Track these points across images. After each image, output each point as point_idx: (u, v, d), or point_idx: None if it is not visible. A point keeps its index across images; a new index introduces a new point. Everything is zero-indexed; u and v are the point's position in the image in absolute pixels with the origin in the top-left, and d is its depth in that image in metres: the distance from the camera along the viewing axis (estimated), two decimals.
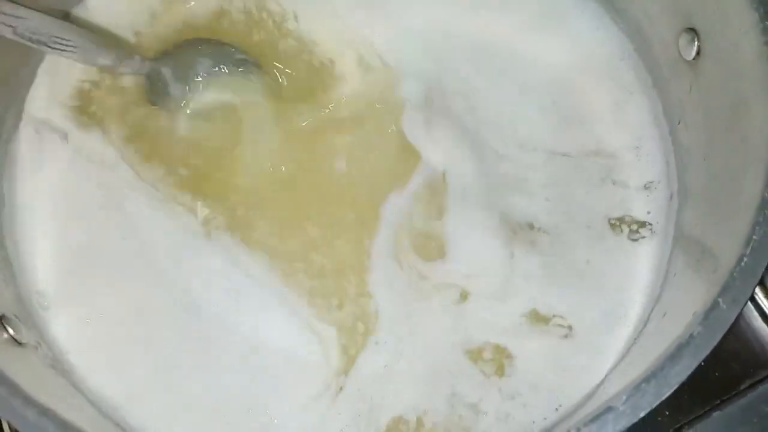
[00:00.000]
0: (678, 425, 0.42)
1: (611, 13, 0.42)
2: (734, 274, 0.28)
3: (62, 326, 0.37)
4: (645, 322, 0.36)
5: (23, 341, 0.33)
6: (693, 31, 0.36)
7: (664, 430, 0.42)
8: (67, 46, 0.37)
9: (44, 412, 0.27)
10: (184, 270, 0.38)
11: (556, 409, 0.35)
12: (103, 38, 0.40)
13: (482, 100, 0.41)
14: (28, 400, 0.27)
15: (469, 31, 0.42)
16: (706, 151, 0.36)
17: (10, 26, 0.34)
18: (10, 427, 0.41)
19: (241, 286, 0.38)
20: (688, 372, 0.27)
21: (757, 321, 0.43)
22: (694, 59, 0.36)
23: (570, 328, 0.37)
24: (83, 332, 0.37)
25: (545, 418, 0.35)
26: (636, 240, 0.39)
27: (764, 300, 0.43)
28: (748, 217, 0.29)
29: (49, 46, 0.37)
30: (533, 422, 0.36)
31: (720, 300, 0.28)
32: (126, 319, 0.37)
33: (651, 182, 0.40)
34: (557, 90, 0.41)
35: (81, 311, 0.37)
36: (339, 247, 0.39)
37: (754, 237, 0.29)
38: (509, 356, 0.37)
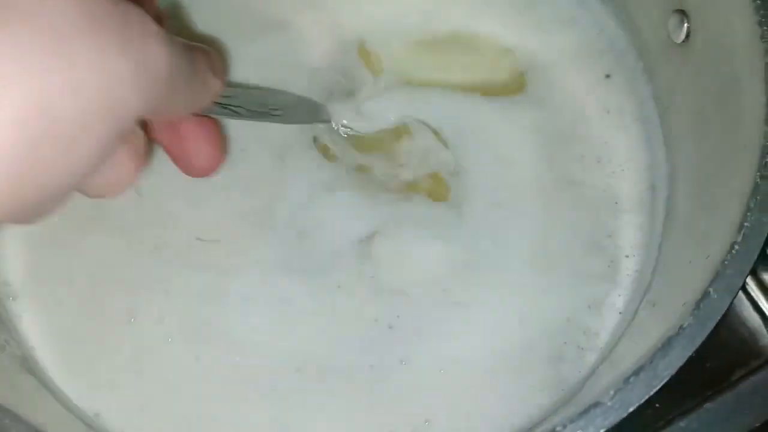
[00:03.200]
0: (670, 417, 0.41)
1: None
2: (726, 262, 0.27)
3: (30, 320, 0.36)
4: (634, 313, 0.35)
5: None
6: (682, 12, 0.35)
7: (657, 423, 0.41)
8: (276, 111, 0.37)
9: (12, 417, 0.26)
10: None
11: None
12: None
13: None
14: None
15: (445, 20, 0.41)
16: (696, 137, 0.35)
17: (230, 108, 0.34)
18: None
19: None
20: (679, 364, 0.26)
21: (748, 311, 0.42)
22: (683, 42, 0.36)
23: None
24: (53, 327, 0.36)
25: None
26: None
27: (755, 289, 0.42)
28: (740, 203, 0.28)
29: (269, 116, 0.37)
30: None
31: (711, 289, 0.27)
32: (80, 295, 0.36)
33: (636, 166, 0.39)
34: (535, 75, 0.40)
35: (51, 302, 0.36)
36: None
37: (746, 224, 0.27)
38: None
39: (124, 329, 0.36)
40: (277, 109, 0.37)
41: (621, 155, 0.39)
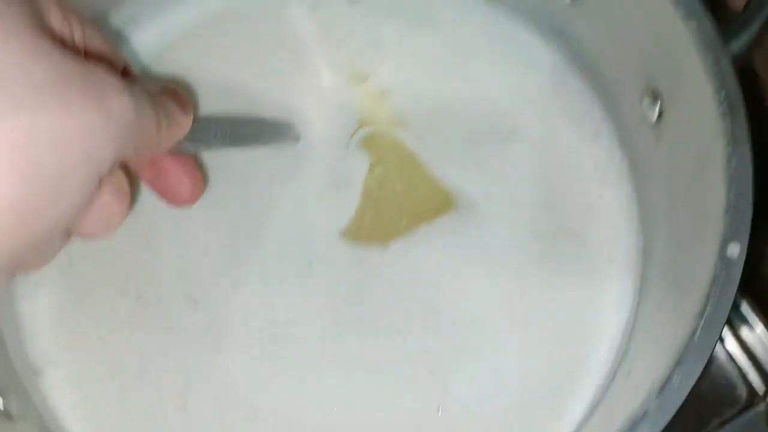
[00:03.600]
0: None
1: (579, 66, 0.43)
2: (687, 348, 0.29)
3: (55, 392, 0.38)
4: (612, 377, 0.37)
5: (13, 413, 0.35)
6: (655, 94, 0.38)
7: None
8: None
9: None
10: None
11: None
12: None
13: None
14: None
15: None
16: (668, 215, 0.37)
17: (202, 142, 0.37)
18: None
19: None
20: None
21: (724, 361, 0.45)
22: (657, 121, 0.38)
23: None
24: (78, 398, 0.38)
25: None
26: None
27: (730, 339, 0.45)
28: (702, 289, 0.31)
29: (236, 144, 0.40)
30: None
31: (673, 375, 0.29)
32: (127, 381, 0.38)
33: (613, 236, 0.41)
34: (516, 142, 0.42)
35: (76, 374, 0.38)
36: None
37: (706, 312, 0.30)
38: None
39: (174, 414, 0.38)
40: (247, 135, 0.40)
41: (612, 213, 0.41)
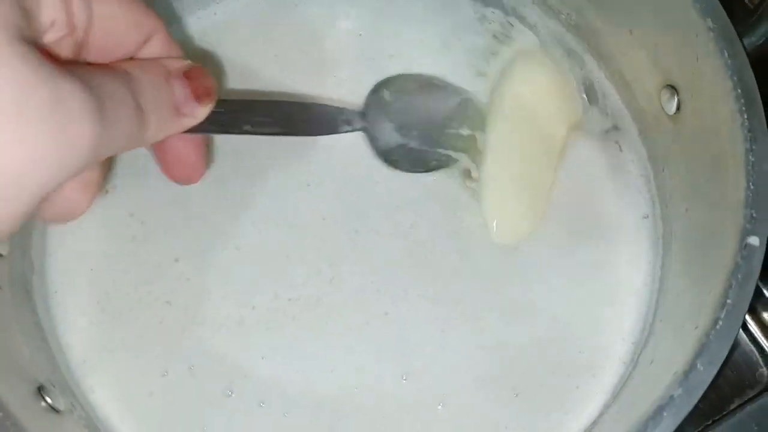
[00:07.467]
0: None
1: (597, 60, 0.44)
2: (710, 336, 0.31)
3: (99, 389, 0.39)
4: (634, 364, 0.39)
5: (60, 408, 0.36)
6: (673, 87, 0.38)
7: None
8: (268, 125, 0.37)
9: None
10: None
11: None
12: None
13: None
14: None
15: None
16: (688, 203, 0.38)
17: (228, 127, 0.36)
18: None
19: None
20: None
21: (746, 343, 0.46)
22: (675, 113, 0.39)
23: None
24: (122, 395, 0.39)
25: None
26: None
27: (752, 323, 0.46)
28: (723, 278, 0.32)
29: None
30: None
31: (698, 362, 0.30)
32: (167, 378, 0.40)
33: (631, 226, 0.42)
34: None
35: (119, 372, 0.40)
36: None
37: (728, 301, 0.31)
38: None
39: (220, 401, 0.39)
40: (290, 121, 0.37)
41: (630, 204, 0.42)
